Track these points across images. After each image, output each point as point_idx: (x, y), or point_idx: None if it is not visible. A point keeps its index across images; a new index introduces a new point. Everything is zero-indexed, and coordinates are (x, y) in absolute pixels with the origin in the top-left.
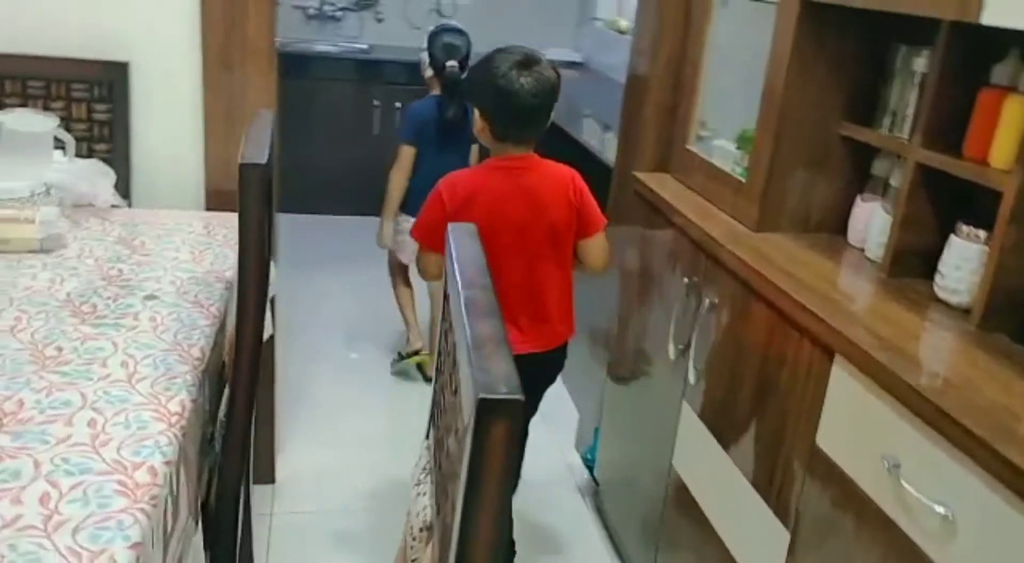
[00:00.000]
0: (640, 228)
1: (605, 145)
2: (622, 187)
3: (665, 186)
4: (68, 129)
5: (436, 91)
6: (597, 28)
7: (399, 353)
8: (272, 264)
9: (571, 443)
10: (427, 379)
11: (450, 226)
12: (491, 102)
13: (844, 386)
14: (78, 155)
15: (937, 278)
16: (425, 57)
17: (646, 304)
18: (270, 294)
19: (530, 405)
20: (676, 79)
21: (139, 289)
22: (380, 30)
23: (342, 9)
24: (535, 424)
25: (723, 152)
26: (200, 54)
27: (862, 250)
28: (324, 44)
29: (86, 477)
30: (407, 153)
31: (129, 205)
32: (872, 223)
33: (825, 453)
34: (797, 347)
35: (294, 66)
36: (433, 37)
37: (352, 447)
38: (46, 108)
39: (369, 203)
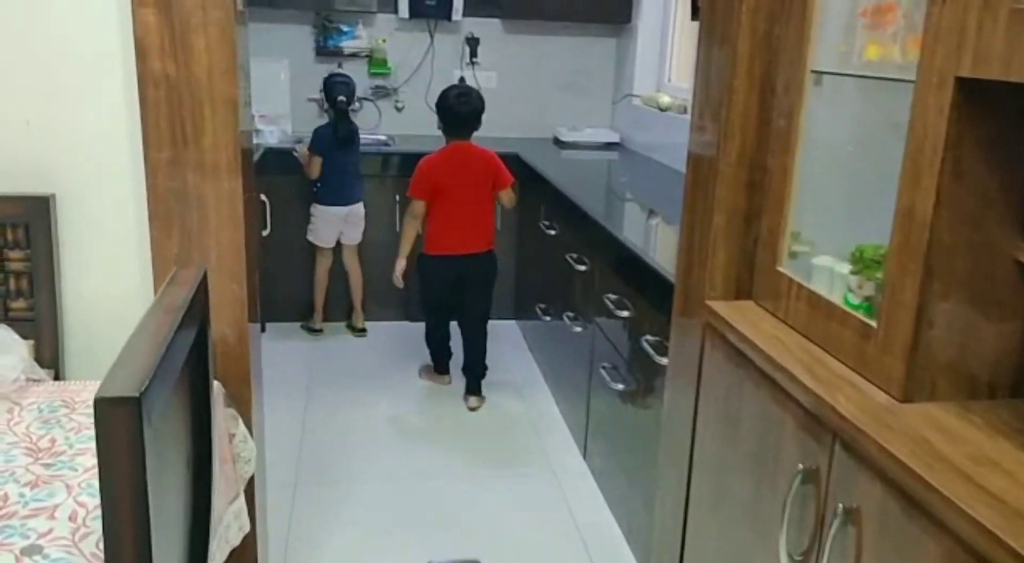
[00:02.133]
0: (718, 377)
1: (652, 238)
2: (687, 314)
3: (752, 322)
4: None
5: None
6: (634, 105)
7: (310, 328)
8: (249, 438)
9: None
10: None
11: None
12: (443, 114)
13: None
14: None
15: None
16: (322, 95)
17: (732, 485)
18: (248, 473)
19: (482, 299)
20: (751, 176)
21: (20, 532)
22: (400, 120)
23: (359, 99)
24: None
25: (829, 275)
26: (143, 177)
27: None
28: None
29: None
30: (316, 162)
31: (56, 376)
32: None
33: None
34: None
35: None
36: (327, 80)
37: None
38: None
39: (392, 306)
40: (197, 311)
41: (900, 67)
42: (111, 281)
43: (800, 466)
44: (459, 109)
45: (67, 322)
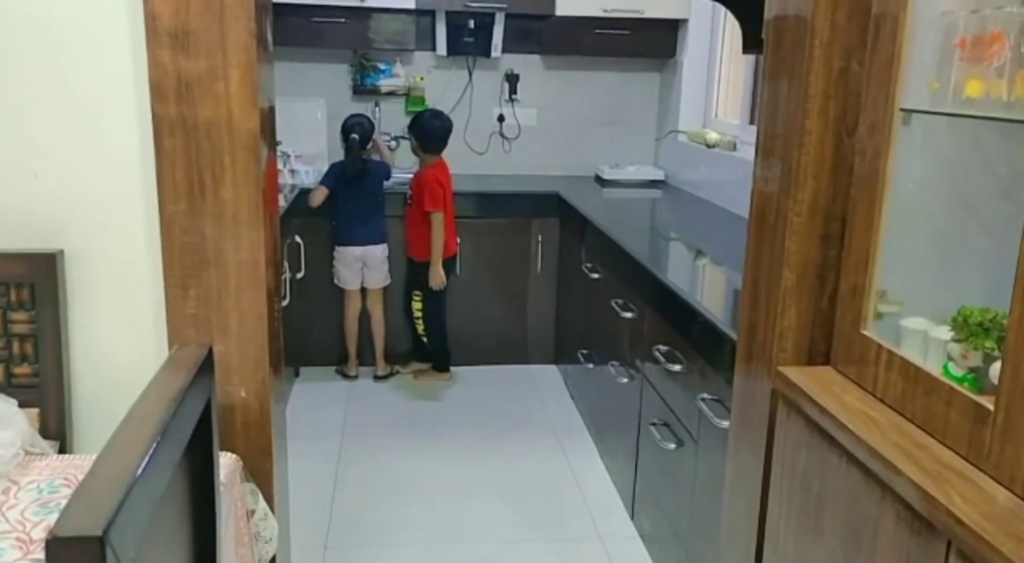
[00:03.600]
0: (794, 454)
1: (705, 285)
2: (752, 378)
3: (835, 395)
4: None
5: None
6: (680, 142)
7: (344, 374)
8: (270, 515)
9: None
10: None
11: None
12: (424, 135)
13: None
14: None
15: None
16: (341, 135)
17: None
18: (269, 554)
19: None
20: (826, 228)
21: None
22: None
23: (396, 138)
24: None
25: (922, 340)
26: (158, 231)
27: None
28: None
29: None
30: (320, 191)
31: (62, 448)
32: None
33: None
34: None
35: None
36: (346, 120)
37: None
38: None
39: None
40: (197, 394)
41: (1008, 105)
42: (123, 345)
43: None
44: (437, 130)
45: (75, 389)
